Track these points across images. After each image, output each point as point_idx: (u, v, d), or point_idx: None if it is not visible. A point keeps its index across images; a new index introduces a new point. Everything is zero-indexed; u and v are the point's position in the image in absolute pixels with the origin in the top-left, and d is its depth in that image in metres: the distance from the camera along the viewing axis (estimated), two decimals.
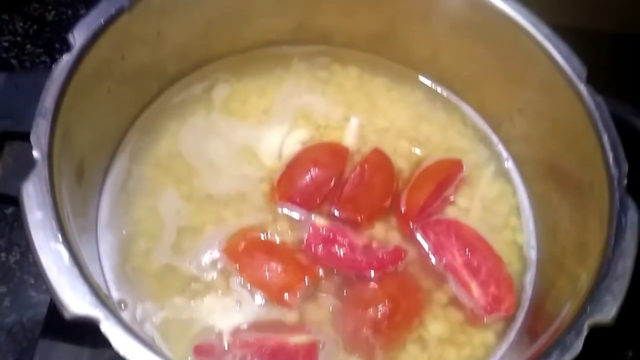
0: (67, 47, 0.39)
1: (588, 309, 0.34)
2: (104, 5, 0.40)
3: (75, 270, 0.30)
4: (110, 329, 0.29)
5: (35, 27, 0.72)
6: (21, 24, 0.73)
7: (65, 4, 0.74)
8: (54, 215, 0.32)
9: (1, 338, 0.55)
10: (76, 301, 0.30)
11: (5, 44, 0.71)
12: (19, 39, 0.71)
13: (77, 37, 0.38)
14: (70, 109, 0.37)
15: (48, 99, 0.35)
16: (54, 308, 0.53)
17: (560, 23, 0.44)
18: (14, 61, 0.70)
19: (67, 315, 0.30)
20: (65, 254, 0.31)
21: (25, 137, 0.38)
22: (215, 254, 0.44)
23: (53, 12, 0.73)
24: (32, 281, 0.57)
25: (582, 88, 0.42)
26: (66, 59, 0.37)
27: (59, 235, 0.31)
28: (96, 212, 0.44)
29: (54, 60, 0.69)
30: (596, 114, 0.40)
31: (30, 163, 0.35)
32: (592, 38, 0.50)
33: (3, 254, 0.58)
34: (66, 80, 0.37)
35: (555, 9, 0.45)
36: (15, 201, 0.35)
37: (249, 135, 0.51)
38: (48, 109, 0.35)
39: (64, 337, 0.50)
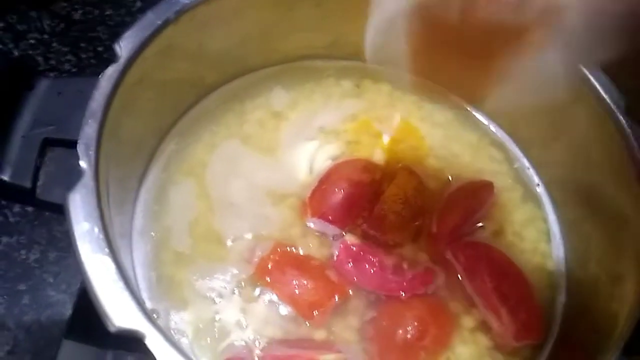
0: (113, 56, 0.39)
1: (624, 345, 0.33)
2: (150, 16, 0.40)
3: (121, 284, 0.31)
4: (155, 344, 0.29)
5: (62, 25, 0.73)
6: (48, 22, 0.73)
7: (92, 4, 0.74)
8: (101, 226, 0.32)
9: (20, 336, 0.55)
10: (122, 315, 0.30)
11: (32, 41, 0.71)
12: (45, 36, 0.72)
13: (124, 47, 0.38)
14: (115, 118, 0.37)
15: (95, 110, 0.35)
16: (79, 309, 0.54)
17: None
18: (39, 58, 0.71)
19: (112, 329, 0.30)
20: (111, 266, 0.31)
21: (67, 144, 0.39)
22: (246, 267, 0.44)
23: (80, 11, 0.74)
24: (52, 280, 0.57)
25: (622, 119, 0.42)
26: (113, 69, 0.38)
27: (106, 248, 0.31)
28: (131, 220, 0.44)
29: (79, 59, 0.71)
30: (635, 146, 0.40)
31: (73, 170, 0.35)
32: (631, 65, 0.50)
33: (23, 252, 0.59)
34: (113, 89, 0.37)
35: None
36: (57, 208, 0.36)
37: (279, 148, 0.51)
38: (95, 119, 0.35)
39: (88, 339, 0.51)
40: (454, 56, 0.33)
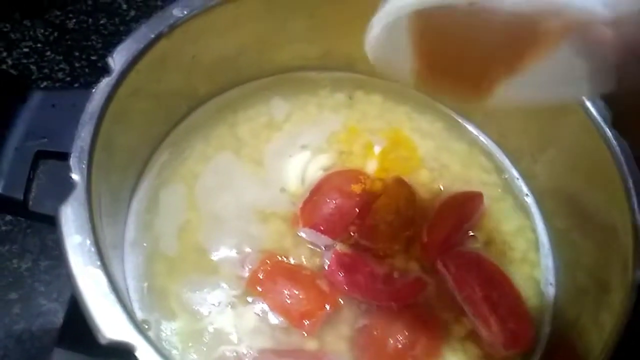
0: (107, 66, 0.39)
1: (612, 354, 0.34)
2: (144, 30, 0.41)
3: (112, 297, 0.31)
4: (145, 357, 0.30)
5: (55, 34, 0.73)
6: (42, 31, 0.73)
7: (86, 13, 0.75)
8: (93, 239, 0.32)
9: (10, 345, 0.55)
10: (113, 327, 0.30)
11: (26, 50, 0.72)
12: (39, 45, 0.72)
13: (117, 60, 0.39)
14: (108, 130, 0.37)
15: (88, 122, 0.36)
16: (70, 318, 0.54)
17: None
18: (33, 67, 0.71)
19: (102, 341, 0.30)
20: (103, 279, 0.31)
21: (60, 156, 0.39)
22: (237, 277, 0.45)
23: (74, 20, 0.74)
24: (43, 289, 0.57)
25: (608, 131, 0.42)
26: (106, 82, 0.38)
27: (97, 261, 0.32)
28: (123, 231, 0.44)
29: (73, 68, 0.72)
30: (621, 158, 0.41)
31: (65, 182, 0.35)
32: None
33: (15, 261, 0.59)
34: (105, 102, 0.37)
35: None
36: (49, 220, 0.36)
37: (271, 158, 0.51)
38: (88, 132, 0.36)
39: (80, 348, 0.51)
40: (454, 63, 0.33)
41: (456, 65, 0.32)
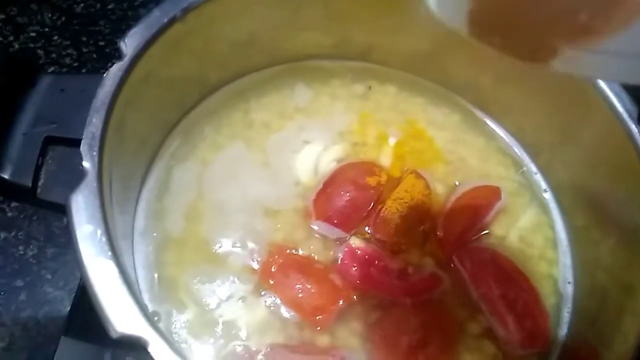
0: (115, 51, 0.38)
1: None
2: (157, 14, 0.39)
3: (124, 288, 0.30)
4: (158, 351, 0.29)
5: (63, 18, 0.72)
6: (49, 15, 0.72)
7: None
8: (104, 228, 0.31)
9: (16, 333, 0.54)
10: (124, 321, 0.29)
11: (33, 34, 0.70)
12: (46, 29, 0.71)
13: (129, 45, 0.37)
14: (119, 116, 0.36)
15: (99, 108, 0.35)
16: (77, 306, 0.54)
17: None
18: (40, 52, 0.70)
19: (113, 334, 0.29)
20: (114, 270, 0.30)
21: (69, 142, 0.38)
22: (249, 269, 0.44)
23: (82, 4, 0.73)
24: (49, 276, 0.57)
25: (633, 127, 0.41)
26: (117, 67, 0.37)
27: (109, 252, 0.31)
28: (133, 220, 0.43)
29: (80, 53, 0.70)
30: None
31: (75, 169, 0.34)
32: None
33: (21, 248, 0.58)
34: (117, 88, 0.36)
35: None
36: (58, 208, 0.35)
37: (283, 148, 0.50)
38: (99, 118, 0.34)
39: (87, 337, 0.50)
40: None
41: (513, 20, 0.28)
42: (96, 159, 0.33)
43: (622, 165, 0.42)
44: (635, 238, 0.40)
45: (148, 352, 0.29)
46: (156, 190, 0.46)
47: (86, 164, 0.33)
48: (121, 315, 0.29)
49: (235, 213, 0.46)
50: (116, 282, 0.30)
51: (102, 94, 0.35)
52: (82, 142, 0.33)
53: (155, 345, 0.29)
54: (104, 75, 0.36)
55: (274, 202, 0.47)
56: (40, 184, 0.38)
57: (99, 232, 0.31)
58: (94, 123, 0.34)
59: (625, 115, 0.42)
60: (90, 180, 0.32)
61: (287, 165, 0.49)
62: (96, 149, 0.33)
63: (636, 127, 0.41)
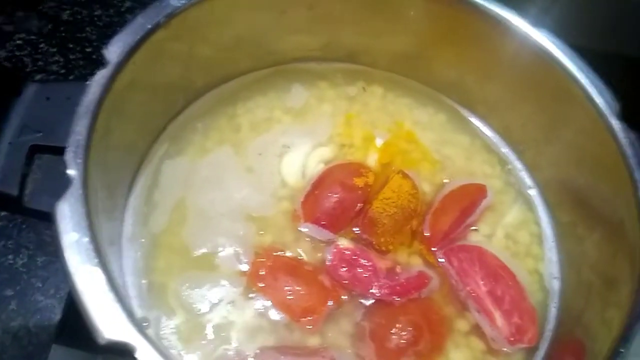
0: (102, 61, 0.38)
1: (621, 350, 0.33)
2: (140, 20, 0.39)
3: (111, 295, 0.30)
4: (145, 357, 0.29)
5: (50, 26, 0.72)
6: (36, 23, 0.72)
7: (80, 4, 0.73)
8: (90, 236, 0.31)
9: (7, 342, 0.54)
10: (112, 327, 0.29)
11: (19, 42, 0.70)
12: (33, 37, 0.71)
13: (113, 52, 0.38)
14: (104, 124, 0.36)
15: (83, 117, 0.35)
16: (68, 314, 0.53)
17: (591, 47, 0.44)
18: (27, 59, 0.69)
19: (101, 341, 0.29)
20: (101, 277, 0.30)
21: (55, 151, 0.38)
22: (237, 273, 0.44)
23: (68, 11, 0.73)
24: (40, 285, 0.57)
25: (614, 123, 0.42)
26: (101, 74, 0.37)
27: (95, 258, 0.31)
28: (120, 226, 0.43)
29: (67, 60, 0.70)
30: (629, 151, 0.40)
31: (61, 178, 0.34)
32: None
33: (11, 257, 0.58)
34: (101, 95, 0.36)
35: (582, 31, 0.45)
36: (45, 216, 0.35)
37: (271, 151, 0.50)
38: (84, 126, 0.34)
39: (78, 344, 0.50)
40: None
41: None
42: (81, 166, 0.33)
43: (605, 160, 0.42)
44: (619, 232, 0.40)
45: (136, 359, 0.29)
46: (143, 196, 0.46)
47: (71, 171, 0.33)
48: (108, 321, 0.30)
49: (221, 217, 0.46)
50: (103, 288, 0.30)
51: (86, 102, 0.35)
52: (66, 149, 0.33)
53: (143, 351, 0.29)
54: (88, 82, 0.36)
55: (260, 206, 0.47)
56: (26, 192, 0.38)
57: (85, 239, 0.31)
58: (78, 131, 0.34)
59: (606, 111, 0.42)
60: (75, 188, 0.33)
61: (274, 168, 0.49)
62: (81, 156, 0.33)
63: (617, 122, 0.41)
